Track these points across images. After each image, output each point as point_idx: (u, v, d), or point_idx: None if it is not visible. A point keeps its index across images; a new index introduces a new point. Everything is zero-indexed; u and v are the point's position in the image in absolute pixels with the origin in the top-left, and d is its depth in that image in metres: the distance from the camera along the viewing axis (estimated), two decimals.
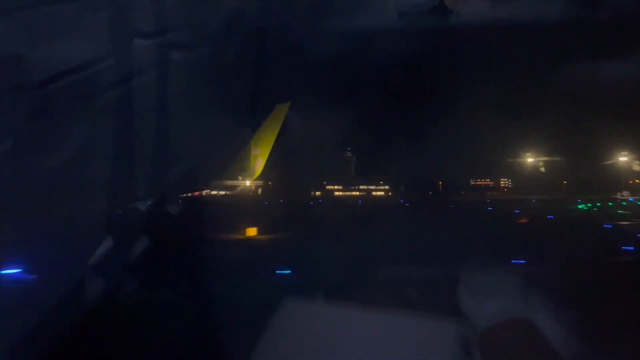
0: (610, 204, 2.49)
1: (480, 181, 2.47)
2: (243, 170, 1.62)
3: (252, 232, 1.46)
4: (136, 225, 1.30)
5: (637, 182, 2.50)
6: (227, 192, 1.61)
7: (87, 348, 1.10)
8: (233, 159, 1.58)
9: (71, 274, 1.15)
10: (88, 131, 1.19)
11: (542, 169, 2.43)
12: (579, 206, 2.54)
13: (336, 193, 1.82)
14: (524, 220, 2.24)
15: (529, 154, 2.39)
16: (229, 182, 1.60)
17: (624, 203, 2.49)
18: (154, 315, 1.19)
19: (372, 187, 1.85)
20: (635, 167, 2.44)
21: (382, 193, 1.91)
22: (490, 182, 2.47)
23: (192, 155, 1.50)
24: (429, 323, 1.18)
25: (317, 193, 1.80)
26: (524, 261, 1.53)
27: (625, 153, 2.39)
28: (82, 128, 1.18)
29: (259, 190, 1.61)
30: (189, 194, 1.43)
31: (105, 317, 1.16)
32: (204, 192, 1.55)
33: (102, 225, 1.23)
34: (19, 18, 1.02)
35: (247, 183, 1.61)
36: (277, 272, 1.32)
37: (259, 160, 1.62)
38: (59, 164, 1.13)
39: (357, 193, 1.83)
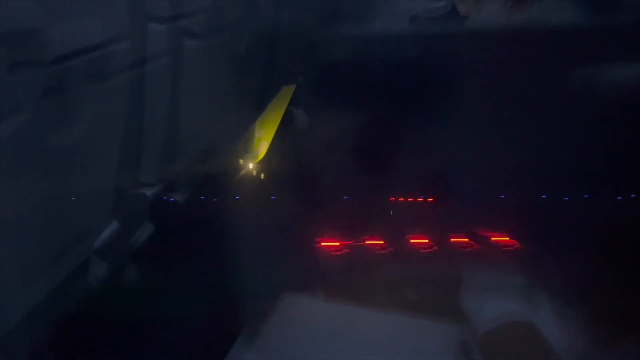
0: None
1: None
2: (246, 152, 1.54)
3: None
4: (142, 211, 1.29)
5: None
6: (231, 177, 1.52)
7: (89, 330, 1.09)
8: (239, 146, 1.55)
9: (75, 254, 1.14)
10: (98, 113, 1.18)
11: None
12: None
13: None
14: None
15: None
16: (233, 166, 1.52)
17: None
18: (156, 300, 1.18)
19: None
20: None
21: None
22: None
23: (201, 142, 1.49)
24: (428, 324, 1.18)
25: None
26: None
27: None
28: (93, 109, 1.17)
29: (262, 175, 1.52)
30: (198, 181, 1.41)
31: (108, 299, 1.15)
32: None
33: (109, 208, 1.22)
34: None
35: (250, 166, 1.52)
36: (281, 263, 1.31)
37: (263, 142, 1.56)
38: (69, 142, 1.12)
39: None
